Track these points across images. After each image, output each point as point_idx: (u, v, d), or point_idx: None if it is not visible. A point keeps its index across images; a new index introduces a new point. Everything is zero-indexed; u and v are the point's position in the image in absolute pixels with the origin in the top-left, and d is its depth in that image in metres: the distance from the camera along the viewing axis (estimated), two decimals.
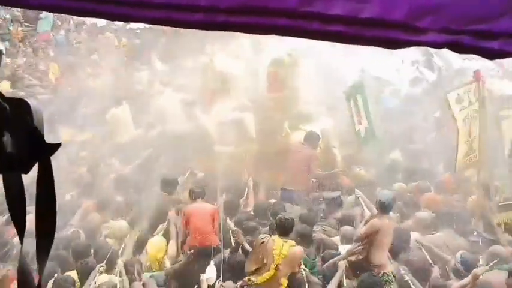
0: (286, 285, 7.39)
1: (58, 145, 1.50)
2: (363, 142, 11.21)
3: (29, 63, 17.79)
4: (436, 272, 7.80)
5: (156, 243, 8.59)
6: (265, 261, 7.45)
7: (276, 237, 7.63)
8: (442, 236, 8.71)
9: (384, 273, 7.62)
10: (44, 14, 19.53)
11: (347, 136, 11.57)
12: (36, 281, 1.56)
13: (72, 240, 8.56)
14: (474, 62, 14.62)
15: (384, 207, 7.92)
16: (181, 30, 17.45)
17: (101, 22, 19.35)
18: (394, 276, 7.63)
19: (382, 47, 1.74)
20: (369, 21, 1.61)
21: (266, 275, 7.36)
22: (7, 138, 1.43)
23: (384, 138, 11.31)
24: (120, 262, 7.92)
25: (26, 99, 1.49)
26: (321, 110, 11.96)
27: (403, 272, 7.61)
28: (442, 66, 15.65)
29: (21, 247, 1.55)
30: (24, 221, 1.54)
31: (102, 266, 7.62)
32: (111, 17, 1.77)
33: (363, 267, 7.77)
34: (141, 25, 19.04)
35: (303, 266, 7.69)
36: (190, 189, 9.21)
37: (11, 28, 19.93)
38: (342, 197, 10.22)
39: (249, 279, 7.42)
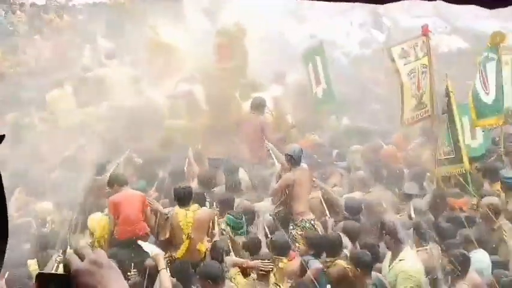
0: (204, 250, 7.37)
1: (1, 137, 1.36)
2: (321, 103, 11.10)
3: None
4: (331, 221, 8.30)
5: (97, 221, 8.17)
6: (167, 236, 7.53)
7: (177, 208, 7.62)
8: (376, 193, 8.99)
9: (302, 219, 8.23)
10: None
11: (300, 102, 11.38)
12: None
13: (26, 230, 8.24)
14: (423, 19, 14.62)
15: (292, 160, 8.43)
16: (125, 4, 17.08)
17: (41, 1, 18.63)
18: (311, 223, 8.19)
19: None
20: None
21: (183, 248, 7.39)
22: None
23: (339, 101, 11.17)
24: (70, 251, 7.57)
25: None
26: (272, 78, 11.74)
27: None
28: (390, 26, 15.59)
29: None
30: (6, 231, 1.40)
31: (60, 256, 7.14)
32: None
33: (286, 217, 8.29)
34: (83, 1, 18.45)
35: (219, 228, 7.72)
36: (110, 176, 8.67)
37: None
38: None
39: (171, 255, 7.39)
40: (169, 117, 11.17)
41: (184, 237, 7.41)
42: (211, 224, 7.65)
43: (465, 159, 8.76)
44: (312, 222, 8.25)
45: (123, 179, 8.53)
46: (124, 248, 7.63)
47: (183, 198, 7.67)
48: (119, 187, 8.37)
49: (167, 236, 7.57)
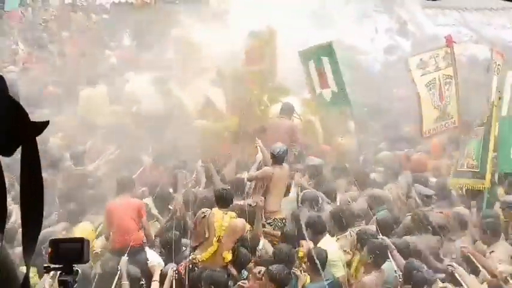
0: (230, 259, 7.10)
1: (45, 123, 1.29)
2: (328, 105, 10.45)
3: None
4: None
5: (82, 229, 7.87)
6: (207, 235, 7.22)
7: (216, 209, 7.39)
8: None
9: (274, 218, 8.24)
10: None
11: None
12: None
13: None
14: (447, 28, 14.31)
15: (275, 159, 8.53)
16: (151, 3, 16.85)
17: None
18: (283, 223, 8.19)
19: None
20: None
21: (210, 250, 7.11)
22: None
23: (362, 106, 10.80)
24: None
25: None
26: (300, 82, 11.39)
27: None
28: (415, 32, 15.25)
29: (3, 238, 1.32)
30: (5, 208, 1.31)
31: None
32: None
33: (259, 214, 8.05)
34: (110, 0, 18.28)
35: None
36: (117, 179, 8.33)
37: None
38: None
39: (194, 258, 7.14)
40: (196, 119, 10.86)
41: (214, 239, 7.14)
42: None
43: (488, 176, 8.27)
44: (284, 221, 8.25)
45: (125, 183, 8.22)
46: (117, 256, 7.33)
47: (223, 200, 7.44)
48: (119, 194, 8.12)
49: (207, 235, 7.24)
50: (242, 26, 11.29)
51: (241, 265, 7.07)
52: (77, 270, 1.66)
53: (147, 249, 7.51)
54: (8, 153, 1.27)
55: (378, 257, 6.67)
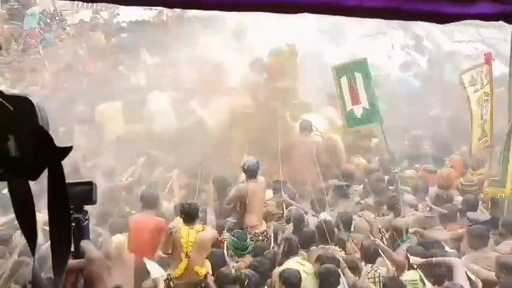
0: (204, 274, 6.89)
1: (69, 148, 1.31)
2: (359, 123, 10.02)
3: (18, 62, 16.67)
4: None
5: (117, 240, 7.60)
6: (170, 252, 7.16)
7: (182, 224, 7.16)
8: None
9: (255, 233, 8.07)
10: (31, 10, 18.49)
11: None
12: None
13: None
14: (464, 45, 14.04)
15: (247, 173, 8.38)
16: (169, 21, 16.67)
17: (87, 17, 18.37)
18: (265, 236, 8.07)
19: (428, 21, 1.59)
20: None
21: (181, 266, 6.97)
22: (11, 141, 1.26)
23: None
24: None
25: (29, 97, 1.31)
26: (322, 99, 11.13)
27: None
28: (432, 49, 14.98)
29: (34, 259, 1.39)
30: (35, 232, 1.36)
31: None
32: None
33: (239, 229, 8.00)
34: (127, 19, 18.11)
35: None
36: (142, 195, 8.20)
37: None
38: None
39: (169, 274, 6.98)
40: (218, 137, 10.58)
41: (183, 255, 6.95)
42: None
43: (509, 185, 8.10)
44: (265, 233, 8.15)
45: (150, 200, 8.00)
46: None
47: (187, 214, 7.18)
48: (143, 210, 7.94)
49: (170, 251, 7.18)
50: (261, 44, 11.07)
51: (222, 284, 6.79)
52: (86, 211, 1.81)
53: (145, 260, 7.14)
54: (34, 176, 1.29)
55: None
